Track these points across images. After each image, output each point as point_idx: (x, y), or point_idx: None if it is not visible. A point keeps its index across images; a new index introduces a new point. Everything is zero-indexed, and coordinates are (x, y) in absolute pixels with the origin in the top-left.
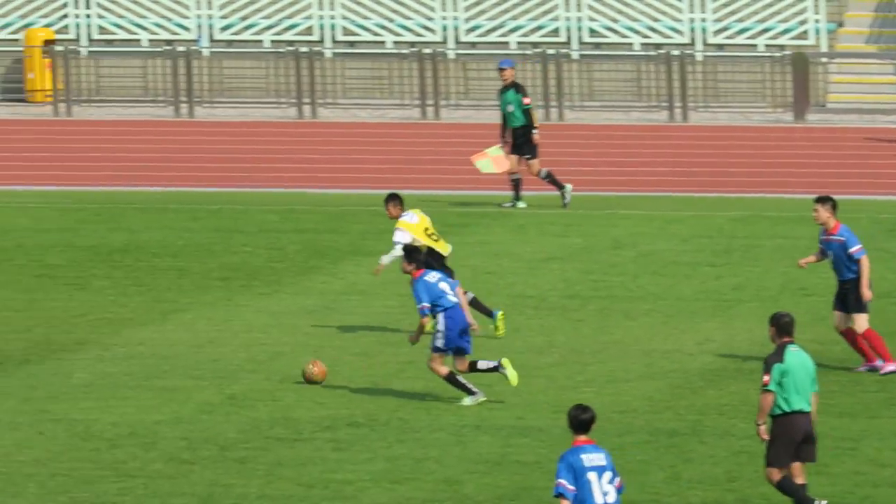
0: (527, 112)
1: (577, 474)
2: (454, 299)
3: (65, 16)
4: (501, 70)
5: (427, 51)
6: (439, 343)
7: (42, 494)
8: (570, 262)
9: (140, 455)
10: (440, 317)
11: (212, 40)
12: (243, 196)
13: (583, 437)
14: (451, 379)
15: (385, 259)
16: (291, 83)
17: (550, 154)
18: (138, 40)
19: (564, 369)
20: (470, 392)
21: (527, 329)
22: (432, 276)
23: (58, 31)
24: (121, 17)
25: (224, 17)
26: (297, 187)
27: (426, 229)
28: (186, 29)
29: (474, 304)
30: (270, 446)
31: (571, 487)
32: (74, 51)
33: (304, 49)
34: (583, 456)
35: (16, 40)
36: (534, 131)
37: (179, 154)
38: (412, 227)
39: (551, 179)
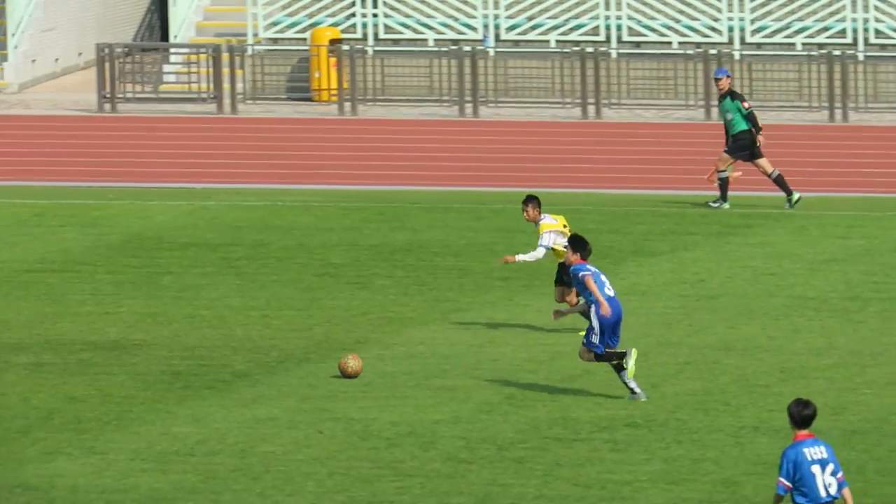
0: (750, 116)
1: (800, 468)
2: (610, 292)
3: (352, 15)
4: (717, 80)
5: (712, 52)
6: (594, 339)
7: (320, 493)
8: (852, 263)
9: (418, 454)
10: (593, 310)
11: (497, 40)
12: None
13: (804, 432)
14: (603, 357)
15: (521, 256)
16: (576, 83)
17: (833, 155)
18: (425, 40)
19: (844, 371)
20: (622, 356)
21: (807, 331)
22: (593, 268)
23: (344, 31)
24: (407, 16)
25: (510, 17)
26: (581, 187)
27: (564, 225)
28: (473, 29)
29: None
30: (548, 446)
31: (789, 485)
32: (360, 50)
33: (589, 49)
34: (805, 450)
35: (303, 39)
36: (758, 134)
37: (463, 154)
38: (552, 228)
39: (781, 182)
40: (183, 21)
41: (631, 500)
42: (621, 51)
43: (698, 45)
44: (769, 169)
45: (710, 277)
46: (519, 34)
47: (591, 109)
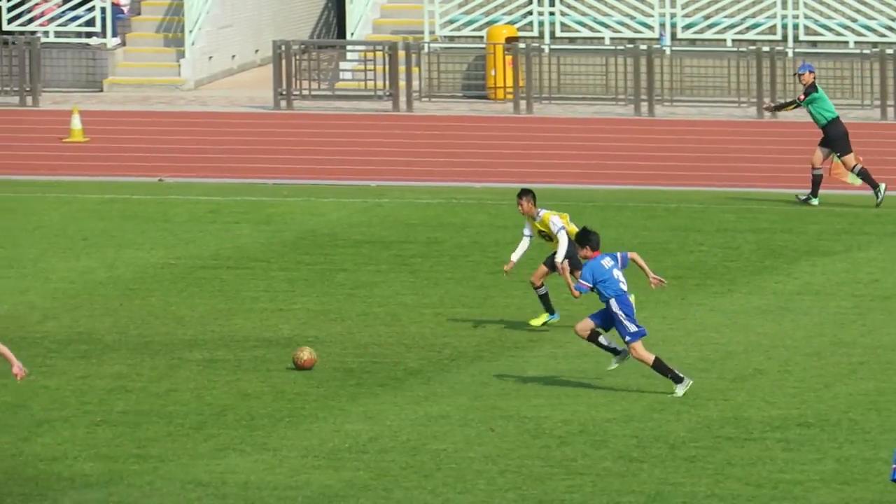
0: (791, 103)
1: None
2: (625, 287)
3: (528, 13)
4: (800, 75)
5: (889, 51)
6: (631, 329)
7: (491, 491)
8: None
9: (590, 453)
10: (613, 303)
11: (674, 39)
12: (701, 195)
13: None
14: (659, 366)
15: (516, 255)
16: (752, 82)
17: None
18: (601, 38)
19: None
20: (678, 379)
21: None
22: (607, 262)
23: (521, 29)
24: (584, 15)
25: (687, 15)
26: (755, 186)
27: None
28: (649, 27)
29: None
30: (720, 445)
31: None
32: (537, 48)
33: (765, 48)
34: None
35: (479, 37)
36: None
37: (638, 152)
38: (555, 214)
39: (816, 182)
40: (360, 18)
41: (802, 499)
42: (797, 50)
43: (875, 44)
44: (819, 163)
45: (884, 277)
46: (695, 33)
47: None
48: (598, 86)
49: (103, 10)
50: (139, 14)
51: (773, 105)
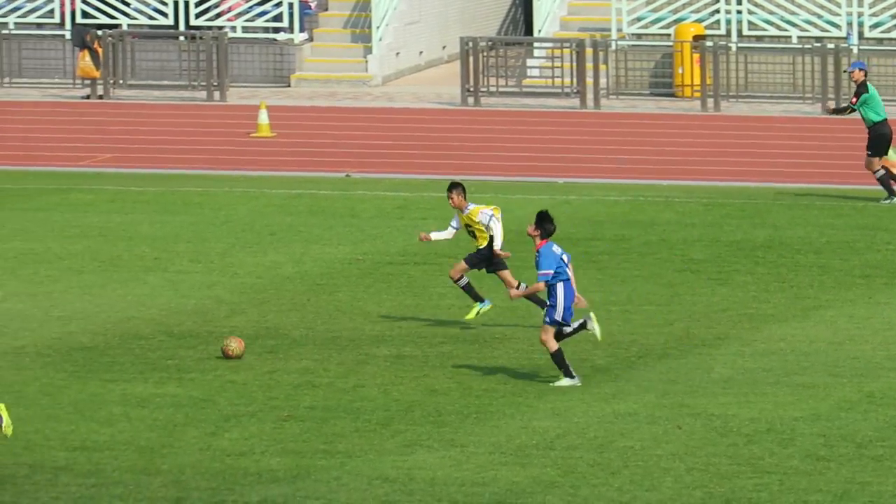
0: (845, 108)
1: None
2: (571, 274)
3: (716, 11)
4: (851, 73)
5: None
6: (557, 316)
7: (678, 489)
8: None
9: (777, 451)
10: (558, 288)
11: (861, 38)
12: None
13: None
14: (557, 356)
15: (436, 235)
16: None
17: None
18: (788, 37)
19: None
20: (570, 375)
21: None
22: (557, 248)
23: (708, 27)
24: (771, 13)
25: (874, 14)
26: None
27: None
28: (837, 26)
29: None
30: None
31: None
32: (724, 46)
33: None
34: None
35: (667, 35)
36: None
37: (826, 150)
38: (484, 208)
39: (885, 181)
40: (547, 15)
41: None
42: None
43: None
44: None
45: None
46: (882, 32)
47: None
48: (785, 84)
49: (290, 5)
50: (326, 9)
51: (832, 108)
